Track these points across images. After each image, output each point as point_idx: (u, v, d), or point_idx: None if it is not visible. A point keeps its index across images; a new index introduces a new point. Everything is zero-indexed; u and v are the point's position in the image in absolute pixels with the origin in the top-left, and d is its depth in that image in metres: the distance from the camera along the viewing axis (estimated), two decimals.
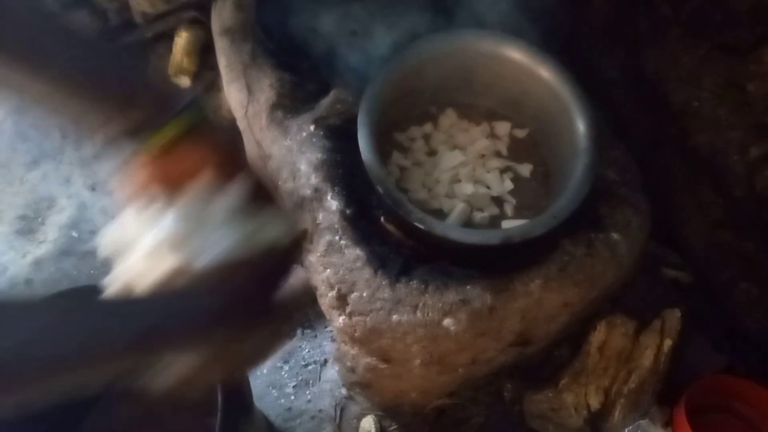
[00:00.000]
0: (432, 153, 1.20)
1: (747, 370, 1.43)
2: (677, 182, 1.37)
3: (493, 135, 1.24)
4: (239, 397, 0.94)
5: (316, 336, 1.56)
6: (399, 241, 1.12)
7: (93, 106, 0.56)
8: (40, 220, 1.72)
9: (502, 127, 1.24)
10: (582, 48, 1.36)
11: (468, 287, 1.07)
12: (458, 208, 1.10)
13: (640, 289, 1.39)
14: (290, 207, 1.18)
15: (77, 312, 0.47)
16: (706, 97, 1.20)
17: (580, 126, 1.09)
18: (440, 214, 1.14)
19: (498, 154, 1.22)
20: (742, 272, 1.36)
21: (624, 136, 1.29)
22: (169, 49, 1.70)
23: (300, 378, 1.51)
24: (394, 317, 1.06)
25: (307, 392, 1.49)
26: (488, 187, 1.17)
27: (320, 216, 1.14)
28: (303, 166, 1.17)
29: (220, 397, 0.84)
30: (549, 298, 1.12)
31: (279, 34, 1.35)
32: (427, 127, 1.24)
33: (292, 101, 1.25)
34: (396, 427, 1.42)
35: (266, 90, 1.26)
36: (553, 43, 1.29)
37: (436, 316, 1.06)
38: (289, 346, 1.55)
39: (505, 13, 1.32)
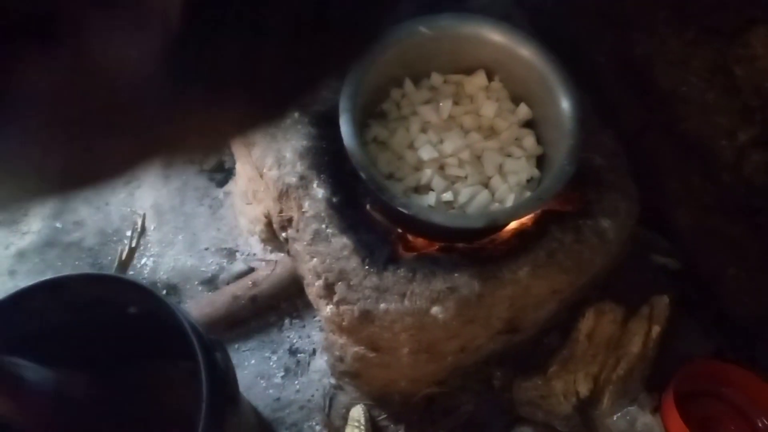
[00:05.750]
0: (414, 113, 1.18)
1: (735, 356, 1.44)
2: (666, 167, 1.37)
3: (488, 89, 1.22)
4: (224, 387, 0.93)
5: (304, 326, 1.55)
6: (386, 228, 1.11)
7: None
8: (23, 211, 1.70)
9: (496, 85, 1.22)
10: (570, 32, 1.35)
11: (456, 275, 1.07)
12: (438, 184, 1.09)
13: (629, 275, 1.39)
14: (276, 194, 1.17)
15: None
16: (695, 82, 1.20)
17: (565, 107, 1.08)
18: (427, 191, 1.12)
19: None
20: (731, 257, 1.36)
21: (612, 121, 1.28)
22: None
23: (288, 368, 1.50)
24: (382, 306, 1.06)
25: (296, 382, 1.49)
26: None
27: (306, 204, 1.12)
28: (288, 154, 1.16)
29: (204, 388, 0.83)
30: (537, 285, 1.11)
31: None
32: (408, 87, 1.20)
33: None
34: (385, 416, 1.41)
35: None
36: (541, 27, 1.28)
37: (424, 304, 1.05)
38: (277, 335, 1.54)
39: None
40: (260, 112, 0.29)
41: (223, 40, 0.24)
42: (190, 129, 0.27)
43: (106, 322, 0.97)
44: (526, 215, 1.06)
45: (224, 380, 0.93)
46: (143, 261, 1.64)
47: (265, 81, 0.28)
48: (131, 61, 0.22)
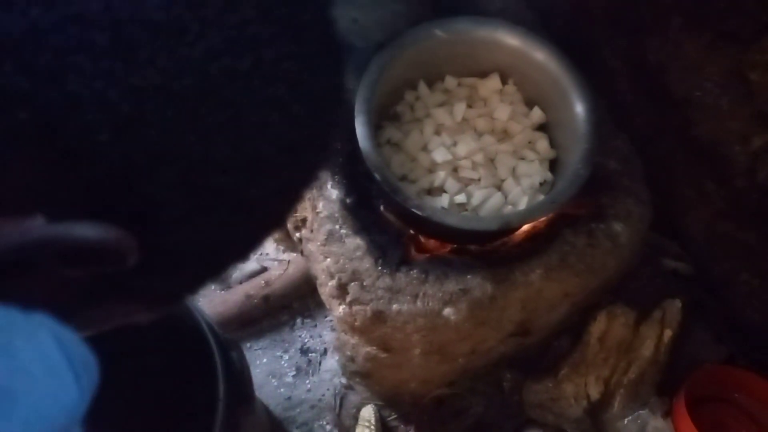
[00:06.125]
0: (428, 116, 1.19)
1: (747, 361, 1.43)
2: (679, 172, 1.37)
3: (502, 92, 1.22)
4: (240, 386, 0.94)
5: (316, 325, 1.56)
6: (399, 230, 1.12)
7: None
8: None
9: (511, 89, 1.23)
10: (584, 37, 1.35)
11: (468, 277, 1.07)
12: (451, 186, 1.09)
13: (641, 279, 1.39)
14: None
15: None
16: (709, 87, 1.19)
17: (579, 111, 1.08)
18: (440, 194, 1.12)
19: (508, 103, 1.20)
20: (743, 263, 1.36)
21: (626, 125, 1.28)
22: None
23: (300, 367, 1.51)
24: (395, 306, 1.06)
25: (307, 382, 1.50)
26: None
27: (320, 205, 1.13)
28: None
29: (221, 387, 0.84)
30: (549, 287, 1.11)
31: None
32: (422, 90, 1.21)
33: None
34: (395, 416, 1.42)
35: None
36: (555, 31, 1.28)
37: (436, 306, 1.06)
38: (289, 335, 1.55)
39: (507, 2, 1.31)
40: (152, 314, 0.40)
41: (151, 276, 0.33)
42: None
43: None
44: (539, 218, 1.07)
45: (240, 379, 0.93)
46: None
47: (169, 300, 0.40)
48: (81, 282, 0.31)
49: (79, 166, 0.26)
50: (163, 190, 0.28)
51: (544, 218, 1.12)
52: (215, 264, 0.37)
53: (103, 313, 0.35)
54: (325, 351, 1.53)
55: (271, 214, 0.36)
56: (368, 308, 1.07)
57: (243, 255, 0.38)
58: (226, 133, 0.29)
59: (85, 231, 0.27)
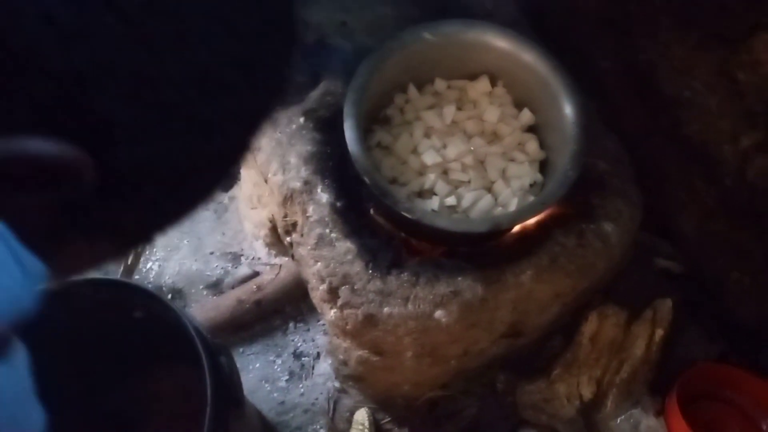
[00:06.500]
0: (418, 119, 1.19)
1: (739, 359, 1.43)
2: (669, 172, 1.37)
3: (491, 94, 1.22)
4: (228, 391, 0.94)
5: (308, 329, 1.56)
6: (389, 233, 1.12)
7: None
8: None
9: (501, 90, 1.23)
10: (574, 38, 1.35)
11: (459, 279, 1.07)
12: (442, 189, 1.10)
13: (632, 279, 1.39)
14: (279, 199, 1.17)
15: None
16: (698, 87, 1.20)
17: (568, 112, 1.08)
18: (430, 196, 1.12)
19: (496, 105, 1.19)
20: (735, 261, 1.36)
21: (616, 126, 1.28)
22: None
23: (293, 371, 1.51)
24: (386, 310, 1.06)
25: (300, 386, 1.49)
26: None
27: (310, 209, 1.13)
28: (293, 159, 1.16)
29: (209, 392, 0.84)
30: (540, 289, 1.11)
31: None
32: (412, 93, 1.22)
33: None
34: (389, 419, 1.42)
35: None
36: (546, 33, 1.28)
37: (427, 308, 1.06)
38: (281, 339, 1.55)
39: (496, 4, 1.31)
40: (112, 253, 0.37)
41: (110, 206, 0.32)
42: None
43: (112, 326, 0.98)
44: (529, 219, 1.07)
45: (228, 384, 0.93)
46: (149, 265, 1.64)
47: (129, 236, 0.37)
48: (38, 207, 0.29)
49: (26, 82, 0.26)
50: (113, 104, 0.28)
51: (534, 219, 1.12)
52: (179, 195, 0.36)
53: (69, 254, 0.34)
54: (318, 355, 1.52)
55: (228, 139, 0.36)
56: (359, 312, 1.07)
57: (207, 190, 0.38)
58: (172, 46, 0.29)
59: (39, 146, 0.27)
